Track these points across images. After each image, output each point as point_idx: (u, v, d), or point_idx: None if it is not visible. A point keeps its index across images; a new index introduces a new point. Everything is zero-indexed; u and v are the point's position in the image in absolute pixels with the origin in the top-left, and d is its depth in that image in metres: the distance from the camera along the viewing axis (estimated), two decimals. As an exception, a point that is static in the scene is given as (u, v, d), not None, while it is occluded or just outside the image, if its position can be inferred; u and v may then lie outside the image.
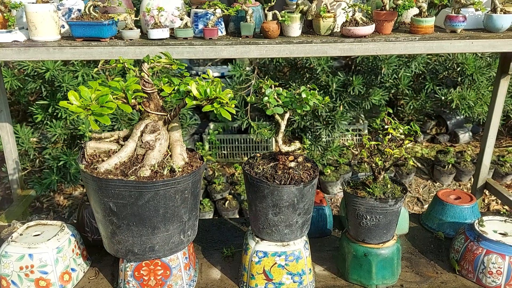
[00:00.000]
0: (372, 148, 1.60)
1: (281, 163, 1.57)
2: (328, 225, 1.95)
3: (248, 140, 5.51)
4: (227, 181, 5.03)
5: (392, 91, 4.35)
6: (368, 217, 1.58)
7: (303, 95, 1.49)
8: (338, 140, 5.75)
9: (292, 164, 1.56)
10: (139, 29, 1.84)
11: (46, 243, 1.55)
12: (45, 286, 1.54)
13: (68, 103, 1.34)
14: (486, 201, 4.09)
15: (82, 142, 1.61)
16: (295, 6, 1.85)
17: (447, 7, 1.94)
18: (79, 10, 1.86)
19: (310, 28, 1.93)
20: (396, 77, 4.22)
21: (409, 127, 1.59)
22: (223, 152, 5.61)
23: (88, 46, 1.77)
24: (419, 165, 5.04)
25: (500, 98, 2.17)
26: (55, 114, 3.32)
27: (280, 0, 2.01)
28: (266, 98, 1.52)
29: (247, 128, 5.38)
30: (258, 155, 1.67)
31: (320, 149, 4.50)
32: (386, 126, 1.60)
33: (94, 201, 1.44)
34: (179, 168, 1.45)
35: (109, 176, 1.39)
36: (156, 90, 1.56)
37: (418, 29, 1.81)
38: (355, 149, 1.57)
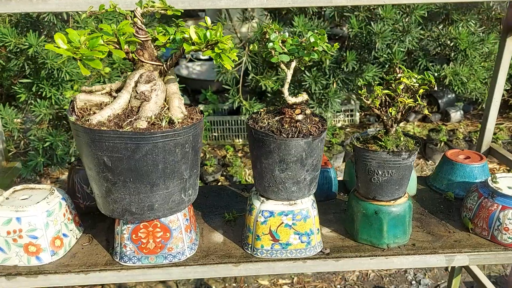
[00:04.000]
0: (384, 98, 1.51)
1: (287, 116, 1.46)
2: (334, 188, 1.85)
3: (239, 121, 5.40)
4: (218, 163, 4.92)
5: (386, 67, 4.28)
6: (380, 172, 1.48)
7: (311, 39, 1.39)
8: (331, 121, 5.68)
9: (300, 117, 1.45)
10: (129, -21, 1.71)
11: (35, 206, 1.42)
12: (35, 252, 1.42)
13: (55, 46, 1.21)
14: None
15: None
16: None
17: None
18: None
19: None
20: (390, 51, 4.14)
21: (422, 76, 1.50)
22: (214, 134, 5.50)
23: (75, -4, 1.63)
24: (412, 144, 4.97)
25: (507, 55, 2.10)
26: (39, 93, 3.16)
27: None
28: (271, 44, 1.41)
29: (238, 109, 5.28)
30: (262, 110, 1.56)
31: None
32: (399, 75, 1.50)
33: (86, 156, 1.32)
34: (178, 119, 1.34)
35: (102, 128, 1.27)
36: (150, 38, 1.44)
37: (427, -22, 1.72)
38: (366, 98, 1.47)
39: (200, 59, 6.69)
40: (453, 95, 5.94)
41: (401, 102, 1.45)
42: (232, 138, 5.40)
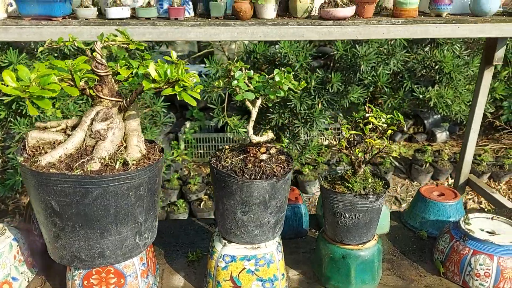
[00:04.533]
0: (352, 138, 1.45)
1: (251, 155, 1.40)
2: (304, 225, 1.79)
3: (225, 139, 5.34)
4: (203, 181, 4.84)
5: (371, 89, 4.27)
6: (347, 215, 1.43)
7: (277, 79, 1.33)
8: (317, 139, 5.63)
9: (264, 157, 1.40)
10: (96, 8, 1.65)
11: (-19, 248, 1.34)
12: (-21, 297, 1.34)
13: (2, 84, 1.15)
14: (463, 200, 4.04)
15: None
16: (268, -14, 1.69)
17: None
18: (28, -13, 1.66)
19: (286, 11, 1.78)
20: (375, 74, 4.13)
21: (392, 115, 1.45)
22: (200, 151, 5.43)
23: (37, 25, 1.57)
24: (397, 164, 4.97)
25: (484, 90, 2.07)
26: (19, 111, 3.09)
27: (253, -19, 1.85)
28: (235, 82, 1.35)
29: (223, 127, 5.22)
30: (227, 147, 1.50)
31: (298, 147, 4.37)
32: (367, 115, 1.46)
33: (35, 199, 1.25)
34: (133, 161, 1.27)
35: (50, 170, 1.20)
36: (111, 72, 1.38)
37: (402, 12, 1.68)
38: (333, 139, 1.41)
39: (188, 74, 6.63)
40: (439, 115, 5.93)
41: (368, 142, 1.40)
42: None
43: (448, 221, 1.77)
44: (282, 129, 4.35)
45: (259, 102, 1.40)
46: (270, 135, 1.42)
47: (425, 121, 5.74)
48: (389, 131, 1.42)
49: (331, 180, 1.50)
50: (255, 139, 1.39)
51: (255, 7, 1.67)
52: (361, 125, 1.45)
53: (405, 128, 5.53)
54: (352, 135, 1.42)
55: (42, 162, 1.23)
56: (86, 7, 1.61)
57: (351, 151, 1.45)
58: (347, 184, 1.44)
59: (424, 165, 5.04)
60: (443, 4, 1.64)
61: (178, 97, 1.31)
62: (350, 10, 1.62)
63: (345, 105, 4.14)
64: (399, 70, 4.38)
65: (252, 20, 1.65)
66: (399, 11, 1.67)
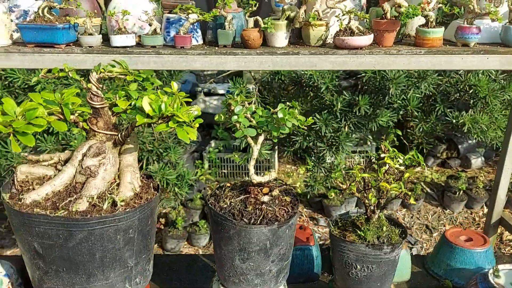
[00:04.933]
0: (365, 181, 1.32)
1: (252, 196, 1.29)
2: (315, 268, 1.65)
3: (249, 159, 5.23)
4: (224, 203, 4.73)
5: (401, 113, 4.10)
6: (358, 267, 1.29)
7: (280, 115, 1.23)
8: (344, 162, 5.46)
9: (265, 199, 1.28)
10: (100, 35, 1.60)
11: (-34, 286, 1.28)
12: None
13: (-14, 118, 1.09)
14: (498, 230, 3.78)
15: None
16: (281, 12, 1.60)
17: (459, 18, 1.68)
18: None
19: (299, 38, 1.68)
20: (405, 98, 3.96)
21: (411, 156, 1.31)
22: (223, 171, 5.36)
23: (39, 53, 1.53)
24: (429, 190, 4.75)
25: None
26: (47, 128, 3.10)
27: (267, 6, 1.76)
28: (235, 117, 1.25)
29: (247, 147, 5.14)
30: (228, 184, 1.40)
31: (324, 171, 4.23)
32: (382, 155, 1.32)
33: (18, 239, 1.18)
34: (122, 201, 1.18)
35: (34, 210, 1.13)
36: (107, 104, 1.31)
37: (424, 42, 1.54)
38: (342, 182, 1.29)
39: (217, 94, 6.61)
40: (474, 140, 5.65)
41: (383, 187, 1.26)
42: (241, 176, 5.25)
43: (475, 270, 1.59)
44: (306, 152, 4.22)
45: (261, 138, 1.29)
46: (272, 174, 1.31)
47: (459, 146, 5.47)
48: (407, 174, 1.28)
49: (342, 226, 1.37)
50: (256, 179, 1.28)
51: (265, 35, 1.58)
52: (375, 166, 1.31)
53: (438, 154, 5.29)
54: (365, 177, 1.29)
55: (27, 200, 1.16)
56: (91, 34, 1.56)
57: (364, 196, 1.31)
58: (359, 232, 1.30)
59: (457, 193, 4.79)
60: (470, 33, 1.50)
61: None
62: (367, 39, 1.50)
63: (373, 129, 3.99)
64: (431, 93, 4.20)
65: (261, 48, 1.56)
66: (421, 40, 1.54)
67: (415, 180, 4.83)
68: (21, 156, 3.26)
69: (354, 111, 3.96)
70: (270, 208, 1.26)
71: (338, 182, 1.27)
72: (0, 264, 1.41)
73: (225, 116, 1.32)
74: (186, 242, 3.63)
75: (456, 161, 5.55)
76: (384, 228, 1.30)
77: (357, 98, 3.95)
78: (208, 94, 6.55)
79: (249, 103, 3.72)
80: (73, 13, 1.60)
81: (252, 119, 1.29)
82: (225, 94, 6.62)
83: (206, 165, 4.74)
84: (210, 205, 1.29)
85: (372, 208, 1.30)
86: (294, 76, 3.97)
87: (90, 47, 1.56)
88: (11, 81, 2.96)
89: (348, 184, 1.28)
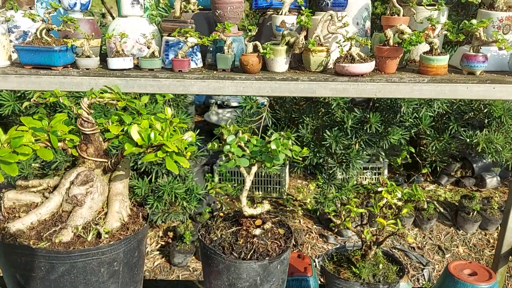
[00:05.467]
0: (362, 216, 1.27)
1: (244, 228, 1.25)
2: (312, 301, 1.60)
3: (258, 174, 5.22)
4: (232, 218, 4.69)
5: (413, 131, 4.02)
6: (352, 305, 1.23)
7: (273, 146, 1.19)
8: (356, 179, 5.38)
9: (257, 232, 1.24)
10: (97, 58, 1.59)
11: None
12: None
13: (-29, 146, 1.08)
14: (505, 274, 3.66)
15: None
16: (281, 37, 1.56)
17: (465, 45, 1.62)
18: (37, 34, 1.63)
19: (301, 62, 1.64)
20: (417, 116, 3.89)
21: (410, 190, 1.26)
22: (234, 185, 5.33)
23: (36, 75, 1.52)
24: (442, 210, 4.64)
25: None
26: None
27: (268, 30, 1.73)
28: (227, 147, 1.22)
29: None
30: (221, 214, 1.36)
31: (334, 187, 4.16)
32: (380, 189, 1.27)
33: (2, 270, 1.16)
34: (107, 232, 1.15)
35: (17, 240, 1.11)
36: (98, 130, 1.29)
37: (428, 69, 1.49)
38: (336, 217, 1.24)
39: (231, 106, 6.59)
40: (490, 159, 5.51)
41: (379, 223, 1.21)
42: (252, 190, 5.21)
43: (480, 309, 1.52)
44: (317, 168, 4.17)
45: (254, 169, 1.26)
46: (265, 206, 1.26)
47: (474, 165, 5.34)
48: (405, 210, 1.22)
49: (337, 261, 1.31)
50: (248, 211, 1.24)
51: (264, 60, 1.55)
52: (372, 200, 1.26)
53: (452, 172, 5.19)
54: (359, 214, 1.24)
55: (11, 229, 1.14)
56: (88, 56, 1.54)
57: (361, 231, 1.26)
58: (354, 268, 1.25)
59: (471, 213, 4.67)
60: (476, 61, 1.44)
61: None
62: (368, 66, 1.46)
63: (384, 146, 3.93)
64: (444, 112, 4.11)
65: (260, 73, 1.52)
66: (425, 67, 1.48)
67: (427, 199, 4.72)
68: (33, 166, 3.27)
69: (365, 128, 3.90)
70: (261, 242, 1.22)
71: (331, 217, 1.22)
72: (-12, 289, 1.39)
73: (218, 145, 1.28)
74: (193, 257, 3.60)
75: (471, 180, 5.42)
76: (381, 266, 1.24)
77: (368, 116, 3.89)
78: (222, 106, 6.53)
79: (258, 120, 3.63)
80: (72, 35, 1.59)
81: (245, 148, 1.25)
82: (238, 107, 6.60)
83: (216, 179, 4.72)
84: (200, 237, 1.25)
85: (368, 244, 1.25)
86: (304, 92, 3.94)
87: (87, 69, 1.55)
88: (22, 93, 2.98)
89: (342, 219, 1.23)
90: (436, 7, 1.58)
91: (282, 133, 1.24)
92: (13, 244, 1.09)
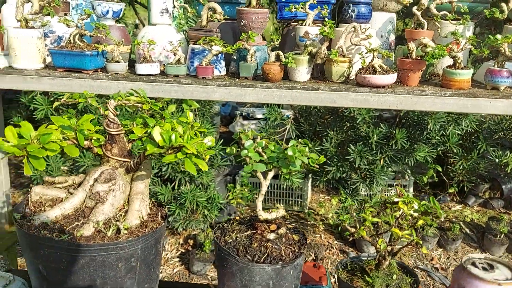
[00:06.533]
0: (378, 225, 1.27)
1: (259, 232, 1.27)
2: (326, 312, 1.59)
3: (280, 186, 5.22)
4: (252, 229, 4.68)
5: (439, 148, 3.95)
6: (364, 315, 1.23)
7: (289, 153, 1.21)
8: (380, 195, 5.31)
9: (272, 236, 1.25)
10: (126, 63, 1.65)
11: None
12: None
13: (3, 139, 1.14)
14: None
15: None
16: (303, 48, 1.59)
17: (490, 60, 1.61)
18: (70, 39, 1.71)
19: (323, 73, 1.67)
20: (444, 134, 3.83)
21: (427, 203, 1.25)
22: (255, 196, 5.29)
23: (68, 77, 1.60)
24: (468, 231, 4.52)
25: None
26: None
27: (292, 40, 1.76)
28: (244, 151, 1.25)
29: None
30: (237, 218, 1.38)
31: (357, 203, 4.12)
32: (396, 199, 1.27)
33: (26, 260, 1.21)
34: (126, 229, 1.19)
35: (41, 232, 1.16)
36: (123, 131, 1.34)
37: (451, 83, 1.49)
38: (350, 224, 1.24)
39: (256, 118, 6.65)
40: (521, 181, 5.35)
41: (394, 233, 1.21)
42: (273, 202, 5.20)
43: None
44: (340, 182, 4.14)
45: (271, 175, 1.28)
46: (281, 212, 1.28)
47: (503, 186, 5.20)
48: (421, 221, 1.21)
49: (351, 270, 1.31)
50: (263, 215, 1.26)
51: (286, 69, 1.58)
52: (388, 210, 1.26)
53: (480, 193, 5.06)
54: (377, 222, 1.24)
55: (36, 222, 1.19)
56: (117, 61, 1.61)
57: (375, 240, 1.26)
58: (367, 278, 1.24)
59: (498, 236, 4.53)
60: (500, 76, 1.43)
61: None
62: (389, 78, 1.47)
63: (410, 163, 3.87)
64: (473, 130, 4.04)
65: (282, 82, 1.55)
66: (448, 81, 1.48)
67: (453, 219, 4.61)
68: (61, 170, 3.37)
69: (391, 144, 3.87)
70: (275, 247, 1.23)
71: (345, 225, 1.22)
72: (13, 280, 1.45)
73: (236, 149, 1.31)
74: (212, 266, 3.62)
75: (499, 202, 5.27)
76: (394, 276, 1.23)
77: (394, 131, 3.85)
78: (247, 118, 6.59)
79: (282, 132, 3.65)
80: (103, 41, 1.66)
81: (263, 154, 1.28)
82: (263, 119, 6.64)
83: (238, 189, 4.72)
84: (215, 238, 1.28)
85: (382, 254, 1.24)
86: (330, 106, 3.93)
87: (116, 74, 1.62)
88: (56, 98, 3.09)
89: (357, 228, 1.23)
90: (461, 21, 1.58)
91: (299, 140, 1.26)
92: (37, 236, 1.14)
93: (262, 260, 1.20)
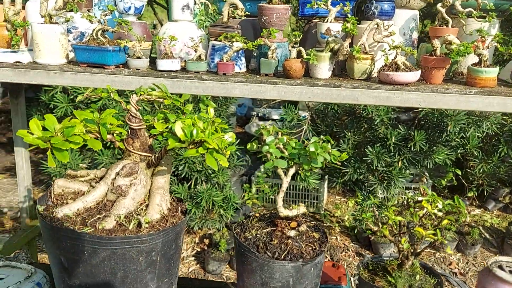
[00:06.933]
0: (400, 224, 1.25)
1: (279, 229, 1.26)
2: (345, 312, 1.57)
3: (296, 187, 5.19)
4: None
5: (459, 151, 3.89)
6: (386, 315, 1.21)
7: (311, 149, 1.19)
8: (397, 198, 5.25)
9: (292, 233, 1.24)
10: (147, 59, 1.66)
11: (-1, 292, 1.34)
12: None
13: (28, 132, 1.15)
14: None
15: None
16: (325, 44, 1.58)
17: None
18: (93, 35, 1.72)
19: (345, 70, 1.65)
20: (464, 136, 3.76)
21: (451, 202, 1.23)
22: (271, 197, 5.31)
23: (90, 72, 1.61)
24: (487, 235, 4.44)
25: None
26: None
27: (313, 37, 1.75)
28: (266, 147, 1.24)
29: (295, 174, 5.07)
30: (256, 215, 1.37)
31: (374, 206, 4.08)
32: (420, 198, 1.24)
33: (48, 252, 1.22)
34: (147, 222, 1.19)
35: (64, 224, 1.16)
36: (145, 126, 1.34)
37: (476, 81, 1.46)
38: (373, 223, 1.22)
39: (272, 119, 6.63)
40: (543, 186, 5.23)
41: (418, 232, 1.18)
42: (289, 203, 5.18)
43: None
44: (356, 184, 4.10)
45: (292, 171, 1.26)
46: (301, 209, 1.27)
47: (525, 191, 5.09)
48: (445, 221, 1.19)
49: (372, 269, 1.29)
50: (283, 212, 1.25)
51: (307, 66, 1.56)
52: (411, 209, 1.24)
53: (500, 197, 4.96)
54: (397, 222, 1.22)
55: (58, 214, 1.20)
56: (139, 57, 1.62)
57: (398, 240, 1.24)
58: (389, 278, 1.22)
59: (519, 241, 4.43)
60: (528, 74, 1.40)
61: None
62: (413, 75, 1.44)
63: (428, 166, 3.82)
64: (494, 133, 3.97)
65: (303, 79, 1.54)
66: (473, 79, 1.45)
67: (472, 224, 4.54)
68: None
69: (409, 146, 3.82)
70: (296, 244, 1.22)
71: (368, 223, 1.20)
72: (35, 274, 1.46)
73: (257, 145, 1.30)
74: (227, 265, 3.61)
75: (520, 207, 5.17)
76: (417, 277, 1.21)
77: (412, 133, 3.81)
78: (263, 118, 6.58)
79: (299, 133, 3.63)
80: (125, 37, 1.67)
81: (284, 150, 1.27)
82: (279, 120, 6.62)
83: (254, 190, 4.73)
84: (235, 234, 1.27)
85: (405, 253, 1.22)
86: (348, 107, 3.91)
87: (137, 69, 1.62)
88: (75, 96, 3.12)
89: (380, 227, 1.21)
90: (487, 19, 1.55)
91: (321, 136, 1.25)
92: (59, 228, 1.15)
93: (282, 257, 1.19)
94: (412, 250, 1.22)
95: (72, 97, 3.37)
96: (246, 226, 1.31)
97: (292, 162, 1.26)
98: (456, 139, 3.77)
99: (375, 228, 1.22)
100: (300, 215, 1.26)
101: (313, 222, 1.32)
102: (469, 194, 4.76)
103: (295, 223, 1.27)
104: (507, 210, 5.17)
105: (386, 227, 1.21)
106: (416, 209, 1.21)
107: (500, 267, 1.23)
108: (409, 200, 1.26)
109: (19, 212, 2.34)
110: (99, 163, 3.21)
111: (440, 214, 1.20)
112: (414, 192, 5.40)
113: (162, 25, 4.93)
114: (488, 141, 4.12)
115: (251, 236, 1.25)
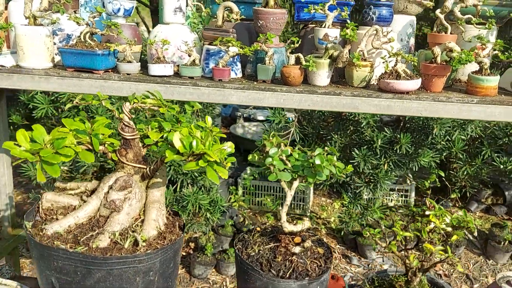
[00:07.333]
0: (407, 239, 1.21)
1: (283, 245, 1.21)
2: (344, 324, 1.53)
3: (283, 189, 5.12)
4: (255, 232, 4.62)
5: (444, 154, 3.91)
6: (393, 333, 1.17)
7: (317, 162, 1.15)
8: (382, 200, 5.26)
9: (297, 250, 1.19)
10: (138, 63, 1.58)
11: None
12: None
13: (15, 144, 1.07)
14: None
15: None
16: (324, 51, 1.53)
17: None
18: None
19: (342, 77, 1.61)
20: (449, 139, 3.79)
21: (458, 216, 1.20)
22: (257, 199, 5.26)
23: (78, 77, 1.53)
24: (471, 237, 4.48)
25: None
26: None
27: (309, 43, 1.70)
28: (269, 159, 1.18)
29: (281, 177, 5.02)
30: (258, 229, 1.32)
31: (360, 207, 4.07)
32: (427, 212, 1.21)
33: (37, 271, 1.14)
34: (144, 240, 1.13)
35: (54, 242, 1.09)
36: (138, 136, 1.27)
37: (477, 90, 1.43)
38: (381, 240, 1.18)
39: (257, 120, 6.57)
40: (524, 187, 5.33)
41: (427, 248, 1.15)
42: (274, 203, 5.14)
43: None
44: (343, 186, 4.09)
45: (296, 184, 1.21)
46: (306, 224, 1.22)
47: (506, 193, 5.17)
48: (455, 237, 1.16)
49: (378, 286, 1.25)
50: (288, 227, 1.20)
51: (306, 72, 1.52)
52: (419, 224, 1.20)
53: (482, 199, 5.03)
54: (404, 238, 1.18)
55: (48, 232, 1.12)
56: (129, 61, 1.54)
57: (405, 256, 1.20)
58: (396, 293, 1.19)
59: (502, 243, 4.49)
60: (530, 83, 1.38)
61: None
62: (414, 84, 1.41)
63: (414, 168, 3.83)
64: (477, 136, 4.01)
65: (302, 86, 1.49)
66: (474, 87, 1.43)
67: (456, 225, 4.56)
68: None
69: (395, 148, 3.82)
70: (301, 261, 1.17)
71: (376, 240, 1.16)
72: (18, 290, 1.37)
73: (259, 157, 1.25)
74: (214, 270, 3.55)
75: (502, 209, 5.24)
76: (425, 293, 1.18)
77: (398, 136, 3.81)
78: (248, 119, 6.52)
79: (286, 135, 3.58)
80: (114, 40, 1.59)
81: (287, 162, 1.22)
82: (264, 121, 6.57)
83: (240, 192, 4.67)
84: (237, 251, 1.22)
85: (413, 270, 1.18)
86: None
87: (128, 74, 1.55)
88: (57, 97, 3.01)
89: (388, 243, 1.17)
90: (486, 25, 1.53)
91: (326, 148, 1.20)
92: (50, 247, 1.07)
93: (287, 276, 1.14)
94: (419, 267, 1.18)
95: (53, 98, 3.25)
96: (247, 241, 1.26)
97: (296, 175, 1.21)
98: (442, 142, 3.79)
99: (384, 245, 1.18)
100: (305, 230, 1.21)
101: (316, 237, 1.28)
102: (452, 196, 4.80)
103: (299, 238, 1.22)
104: (489, 211, 5.24)
105: (394, 243, 1.17)
106: (424, 224, 1.18)
107: (509, 282, 1.21)
108: (415, 213, 1.23)
109: (0, 221, 2.23)
110: (81, 166, 3.11)
111: (448, 229, 1.17)
112: (398, 194, 5.44)
113: (144, 23, 4.82)
114: (472, 143, 4.17)
115: (253, 253, 1.20)
